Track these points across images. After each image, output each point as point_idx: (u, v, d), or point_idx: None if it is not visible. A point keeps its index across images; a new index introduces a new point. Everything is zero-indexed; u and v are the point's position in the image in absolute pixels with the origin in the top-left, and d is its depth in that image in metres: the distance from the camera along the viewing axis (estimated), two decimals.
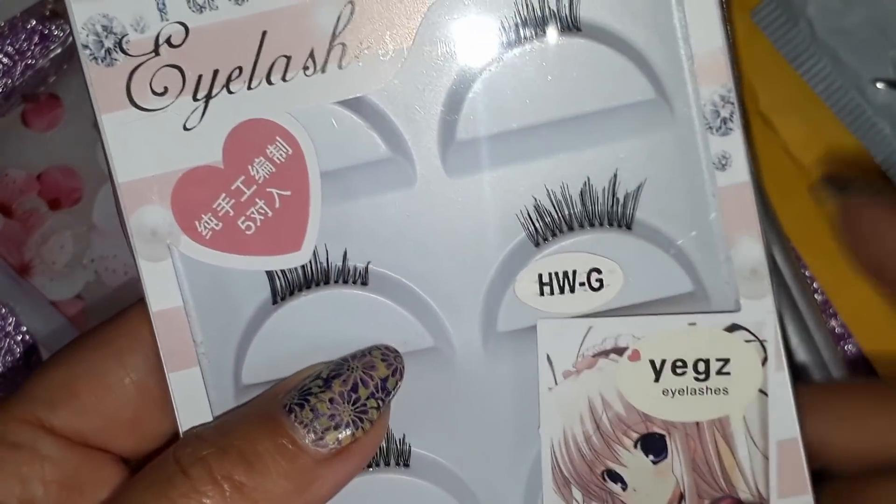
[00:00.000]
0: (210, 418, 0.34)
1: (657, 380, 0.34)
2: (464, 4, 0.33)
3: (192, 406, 0.34)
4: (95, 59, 0.33)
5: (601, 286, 0.34)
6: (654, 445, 0.35)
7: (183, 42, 0.33)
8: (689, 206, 0.34)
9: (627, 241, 0.34)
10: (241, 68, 0.33)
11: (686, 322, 0.34)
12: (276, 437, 0.32)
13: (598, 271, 0.34)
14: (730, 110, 0.33)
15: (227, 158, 0.33)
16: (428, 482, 0.35)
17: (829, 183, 0.38)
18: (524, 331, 0.34)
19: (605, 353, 0.34)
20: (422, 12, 0.33)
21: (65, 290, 0.49)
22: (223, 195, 0.33)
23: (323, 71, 0.33)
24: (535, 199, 0.34)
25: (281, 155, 0.33)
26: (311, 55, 0.33)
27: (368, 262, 0.34)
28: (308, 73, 0.33)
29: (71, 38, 0.47)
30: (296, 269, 0.34)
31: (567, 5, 0.33)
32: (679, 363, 0.34)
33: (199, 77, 0.33)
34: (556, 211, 0.34)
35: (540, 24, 0.33)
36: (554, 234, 0.34)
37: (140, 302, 0.35)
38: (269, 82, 0.33)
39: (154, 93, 0.33)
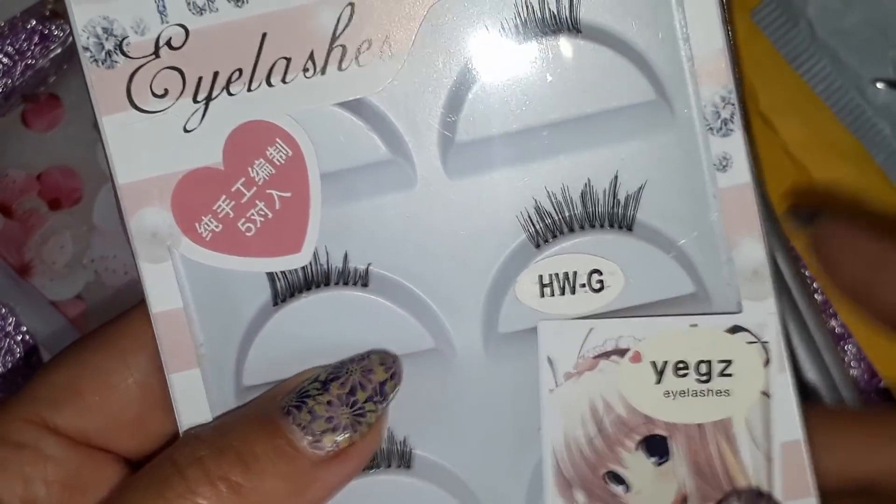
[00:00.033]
0: (210, 419, 0.34)
1: (659, 381, 0.34)
2: (464, 6, 0.33)
3: (193, 407, 0.34)
4: (96, 61, 0.33)
5: (602, 287, 0.34)
6: (656, 447, 0.34)
7: (183, 44, 0.33)
8: (690, 207, 0.34)
9: (628, 243, 0.34)
10: (241, 70, 0.33)
11: (688, 323, 0.34)
12: (274, 439, 0.32)
13: (599, 273, 0.34)
14: (730, 111, 0.33)
15: (228, 160, 0.33)
16: (430, 484, 0.35)
17: (798, 214, 0.38)
18: (525, 332, 0.34)
19: (607, 355, 0.34)
20: (422, 14, 0.33)
21: (65, 290, 0.49)
22: (223, 197, 0.33)
23: (323, 73, 0.33)
24: (536, 201, 0.34)
25: (281, 157, 0.33)
26: (311, 57, 0.33)
27: (369, 264, 0.34)
28: (308, 74, 0.33)
29: (71, 39, 0.47)
30: (296, 270, 0.34)
31: (567, 7, 0.33)
32: (681, 365, 0.34)
33: (199, 79, 0.33)
34: (556, 212, 0.34)
35: (540, 26, 0.33)
36: (554, 236, 0.34)
37: (143, 302, 0.35)
38: (269, 84, 0.33)
39: (154, 95, 0.33)
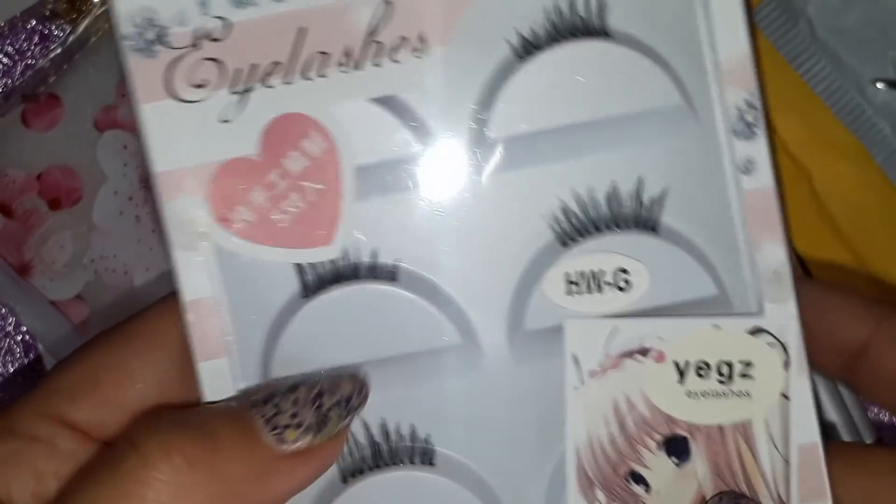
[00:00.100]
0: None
1: (681, 382, 0.34)
2: (498, 7, 0.34)
3: (220, 396, 0.34)
4: (136, 50, 0.33)
5: (628, 287, 0.34)
6: (678, 448, 0.35)
7: (223, 36, 0.33)
8: (714, 209, 0.34)
9: (653, 244, 0.34)
10: (278, 63, 0.34)
11: (710, 324, 0.34)
12: (237, 423, 0.32)
13: (625, 272, 0.34)
14: (755, 115, 0.34)
15: (263, 151, 0.34)
16: (451, 481, 0.35)
17: None
18: (550, 330, 0.35)
19: (631, 354, 0.34)
20: (457, 13, 0.34)
21: (65, 290, 0.49)
22: (257, 188, 0.34)
23: (359, 68, 0.34)
24: (562, 201, 0.35)
25: (315, 149, 0.34)
26: (348, 52, 0.34)
27: (398, 258, 0.35)
28: (344, 69, 0.34)
29: (71, 38, 0.48)
30: (326, 263, 0.34)
31: (596, 12, 0.34)
32: (703, 365, 0.34)
33: (238, 71, 0.34)
34: (582, 213, 0.35)
35: (570, 28, 0.34)
36: (581, 235, 0.35)
37: (164, 299, 0.36)
38: (306, 78, 0.34)
39: (193, 85, 0.34)
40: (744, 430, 0.35)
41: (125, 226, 0.49)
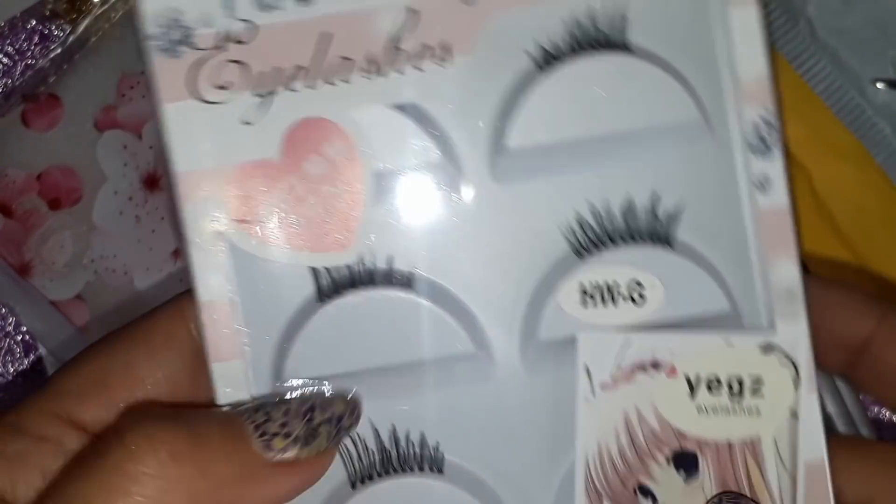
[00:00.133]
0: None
1: (692, 396, 0.35)
2: (521, 19, 0.34)
3: (233, 398, 0.34)
4: (161, 49, 0.33)
5: (642, 300, 0.35)
6: (686, 462, 0.35)
7: (248, 39, 0.33)
8: (728, 226, 0.35)
9: (668, 259, 0.35)
10: (302, 68, 0.34)
11: (722, 340, 0.35)
12: (226, 425, 0.32)
13: (640, 285, 0.35)
14: (771, 133, 0.34)
15: (284, 155, 0.34)
16: (460, 488, 0.35)
17: None
18: (563, 341, 0.35)
19: (643, 368, 0.35)
20: (481, 23, 0.34)
21: (65, 290, 0.49)
22: (277, 190, 0.34)
23: (381, 74, 0.34)
24: (578, 213, 0.35)
25: (336, 154, 0.34)
26: (372, 59, 0.34)
27: (414, 265, 0.35)
28: (367, 75, 0.34)
29: (71, 38, 0.48)
30: (342, 267, 0.34)
31: (618, 26, 0.34)
32: (714, 381, 0.35)
33: (262, 74, 0.34)
34: (598, 225, 0.35)
35: (592, 42, 0.34)
36: (597, 247, 0.35)
37: (174, 300, 0.36)
38: (330, 83, 0.34)
39: (217, 86, 0.34)
40: (752, 446, 0.35)
41: (125, 226, 0.49)
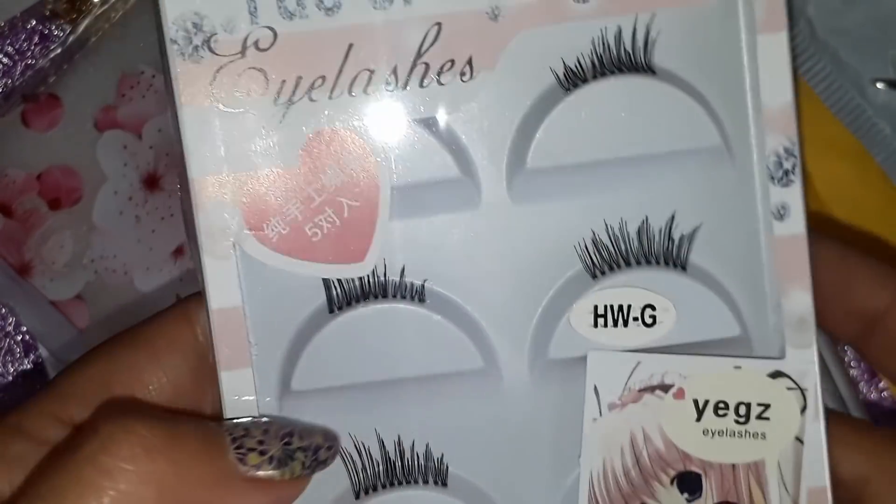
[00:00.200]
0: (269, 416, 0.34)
1: (699, 419, 0.35)
2: (546, 37, 0.34)
3: (240, 406, 0.34)
4: (182, 54, 0.33)
5: (654, 323, 0.35)
6: (690, 484, 0.35)
7: (270, 46, 0.33)
8: (743, 252, 0.35)
9: (681, 282, 0.35)
10: (324, 77, 0.34)
11: (732, 365, 0.35)
12: (203, 432, 0.32)
13: (653, 308, 0.35)
14: (793, 163, 0.34)
15: (302, 164, 0.34)
16: (463, 502, 0.35)
17: None
18: (572, 360, 0.35)
19: (652, 389, 0.35)
20: (507, 40, 0.34)
21: (65, 290, 0.49)
22: (294, 200, 0.34)
23: (404, 88, 0.34)
24: (594, 233, 0.35)
25: (354, 166, 0.34)
26: (394, 71, 0.34)
27: (426, 280, 0.35)
28: (389, 88, 0.34)
29: (71, 38, 0.48)
30: (354, 280, 0.34)
31: (642, 49, 0.34)
32: (721, 405, 0.35)
33: (283, 82, 0.34)
34: (613, 245, 0.35)
35: (616, 63, 0.34)
36: (611, 268, 0.35)
37: (180, 303, 0.36)
38: (351, 94, 0.34)
39: (236, 93, 0.33)
40: (756, 470, 0.35)
41: (125, 226, 0.48)
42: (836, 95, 0.44)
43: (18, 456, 0.33)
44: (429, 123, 0.34)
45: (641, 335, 0.35)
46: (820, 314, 0.35)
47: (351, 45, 0.34)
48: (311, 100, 0.34)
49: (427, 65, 0.34)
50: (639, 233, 0.35)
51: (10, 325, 0.50)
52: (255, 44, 0.33)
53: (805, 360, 0.35)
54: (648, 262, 0.35)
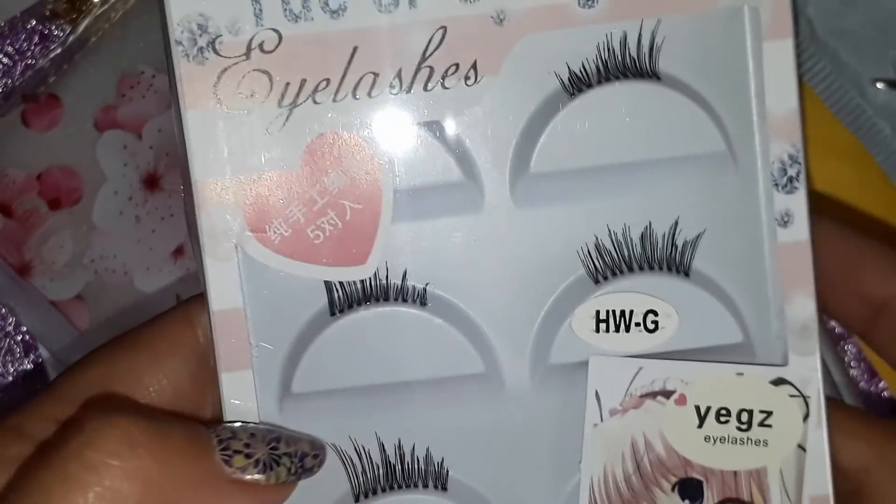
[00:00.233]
0: (258, 422, 0.34)
1: (701, 426, 0.35)
2: (551, 42, 0.34)
3: (241, 409, 0.34)
4: (187, 55, 0.33)
5: (656, 328, 0.35)
6: (691, 490, 0.35)
7: (275, 49, 0.33)
8: (747, 259, 0.35)
9: (684, 288, 0.35)
10: (328, 80, 0.33)
11: (734, 372, 0.35)
12: (190, 432, 0.32)
13: (655, 314, 0.35)
14: (797, 170, 0.34)
15: (305, 167, 0.34)
16: None
17: None
18: (574, 365, 0.35)
19: (653, 395, 0.35)
20: (512, 44, 0.34)
21: (65, 290, 0.49)
22: (296, 202, 0.34)
23: (408, 91, 0.34)
24: (597, 238, 0.35)
25: (357, 168, 0.34)
26: (399, 75, 0.34)
27: (428, 283, 0.35)
28: (394, 91, 0.34)
29: (71, 38, 0.48)
30: (355, 282, 0.34)
31: (647, 54, 0.34)
32: (723, 411, 0.35)
33: (287, 84, 0.33)
34: (615, 251, 0.35)
35: (621, 69, 0.34)
36: (614, 274, 0.35)
37: (181, 305, 0.35)
38: (355, 97, 0.34)
39: (240, 95, 0.33)
40: (758, 477, 0.35)
41: (125, 226, 0.48)
42: (836, 95, 0.44)
43: (17, 458, 0.33)
44: (432, 127, 0.34)
45: (643, 341, 0.35)
46: (825, 298, 0.35)
47: (356, 48, 0.33)
48: (315, 102, 0.33)
49: (431, 68, 0.34)
50: (642, 238, 0.35)
51: (10, 325, 0.50)
52: (260, 46, 0.33)
53: (808, 367, 0.35)
54: (651, 268, 0.35)
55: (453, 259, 0.35)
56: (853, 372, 0.50)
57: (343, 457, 0.35)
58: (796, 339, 0.35)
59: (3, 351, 0.50)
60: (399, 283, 0.35)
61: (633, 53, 0.34)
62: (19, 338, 0.50)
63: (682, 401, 0.35)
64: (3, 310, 0.50)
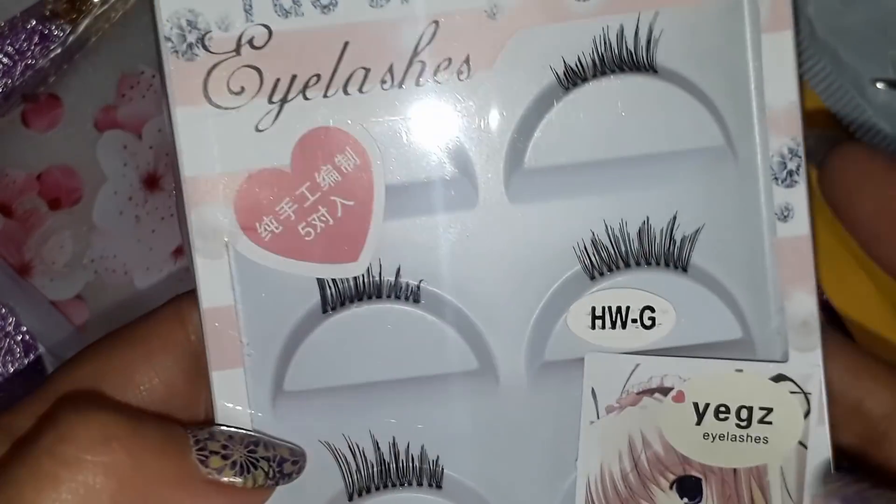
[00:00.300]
0: (248, 420, 0.34)
1: (699, 423, 0.34)
2: (546, 35, 0.33)
3: (232, 406, 0.34)
4: (176, 52, 0.33)
5: (653, 325, 0.34)
6: (690, 488, 0.35)
7: (265, 44, 0.33)
8: (746, 254, 0.34)
9: (682, 283, 0.34)
10: (319, 76, 0.33)
11: (733, 368, 0.34)
12: (167, 430, 0.32)
13: (652, 310, 0.34)
14: (797, 163, 0.34)
15: (295, 163, 0.33)
16: None
17: (813, 140, 0.36)
18: (570, 362, 0.35)
19: (650, 392, 0.34)
20: (506, 38, 0.33)
21: (65, 290, 0.49)
22: (287, 199, 0.33)
23: (400, 86, 0.33)
24: (593, 233, 0.34)
25: (349, 164, 0.33)
26: (391, 70, 0.33)
27: (421, 280, 0.34)
28: (385, 87, 0.33)
29: (71, 38, 0.47)
30: (348, 280, 0.34)
31: (644, 48, 0.34)
32: (722, 408, 0.34)
33: (277, 80, 0.33)
34: (612, 246, 0.34)
35: (617, 62, 0.34)
36: (610, 269, 0.34)
37: (173, 302, 0.35)
38: (346, 92, 0.33)
39: (230, 91, 0.33)
40: (758, 475, 0.35)
41: (125, 226, 0.48)
42: (837, 95, 0.43)
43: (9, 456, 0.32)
44: (425, 122, 0.34)
45: (640, 338, 0.34)
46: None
47: (347, 44, 0.33)
48: (306, 98, 0.33)
49: (424, 63, 0.33)
50: (640, 233, 0.34)
51: (10, 324, 0.50)
52: (250, 42, 0.33)
53: (809, 363, 0.34)
54: (649, 264, 0.34)
55: (447, 255, 0.34)
56: None
57: (337, 455, 0.35)
58: (797, 335, 0.34)
59: (3, 351, 0.49)
60: (392, 279, 0.34)
61: (630, 46, 0.34)
62: (19, 338, 0.50)
63: (679, 398, 0.34)
64: (3, 310, 0.49)
